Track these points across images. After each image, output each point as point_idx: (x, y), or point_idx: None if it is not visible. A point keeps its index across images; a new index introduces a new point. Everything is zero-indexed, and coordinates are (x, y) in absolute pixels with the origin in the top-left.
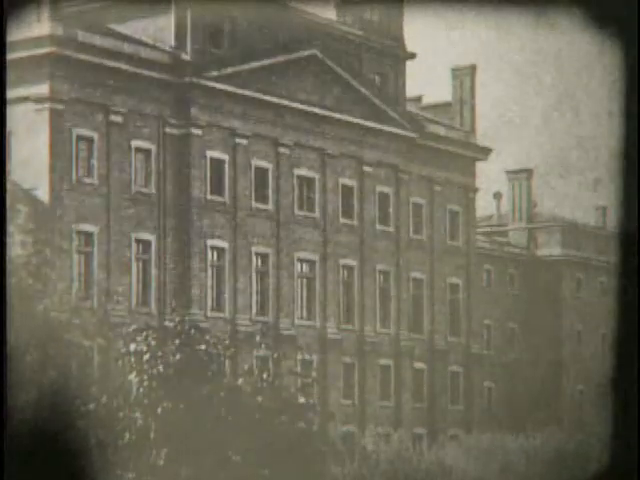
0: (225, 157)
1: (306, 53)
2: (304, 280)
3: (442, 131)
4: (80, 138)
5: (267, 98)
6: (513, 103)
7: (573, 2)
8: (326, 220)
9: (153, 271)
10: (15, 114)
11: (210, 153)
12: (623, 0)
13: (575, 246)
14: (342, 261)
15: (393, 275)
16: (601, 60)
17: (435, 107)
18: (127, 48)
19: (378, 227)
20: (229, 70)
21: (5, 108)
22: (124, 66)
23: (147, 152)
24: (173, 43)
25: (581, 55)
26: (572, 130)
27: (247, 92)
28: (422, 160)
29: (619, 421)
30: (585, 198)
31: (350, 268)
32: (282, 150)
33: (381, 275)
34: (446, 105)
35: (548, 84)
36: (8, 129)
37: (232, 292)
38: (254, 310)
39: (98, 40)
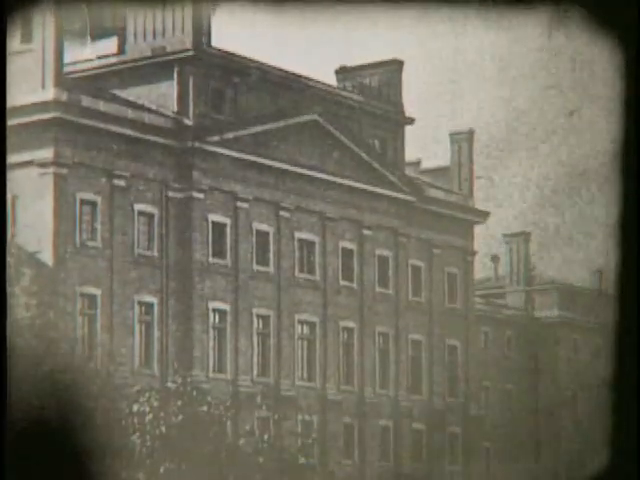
0: (227, 220)
1: (306, 118)
2: (304, 342)
3: (440, 195)
4: (84, 202)
5: (268, 162)
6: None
7: (573, 3)
8: (326, 282)
9: (155, 333)
10: (20, 178)
11: (212, 216)
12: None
13: (572, 308)
14: (342, 323)
15: (392, 337)
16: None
17: (434, 171)
18: (130, 113)
19: (377, 289)
20: (230, 135)
21: (5, 173)
22: (127, 131)
23: (150, 216)
24: (175, 108)
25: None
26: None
27: (248, 156)
28: (421, 223)
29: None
30: (582, 261)
31: (350, 330)
32: (283, 214)
33: (380, 337)
34: (444, 169)
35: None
36: (13, 193)
37: (233, 353)
38: (255, 371)
39: (102, 105)
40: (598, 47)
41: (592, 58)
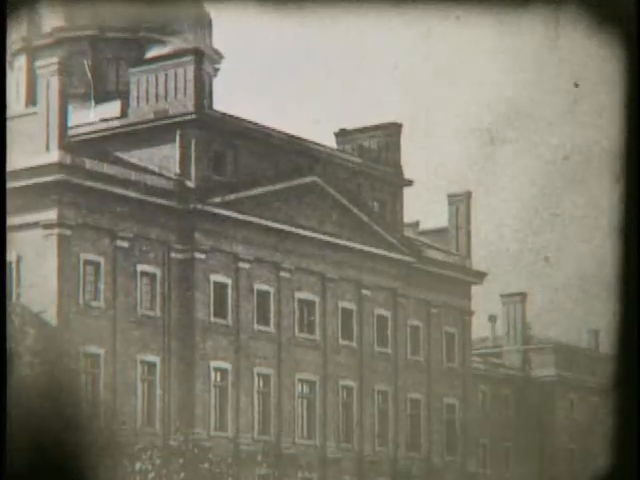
0: (228, 281)
1: (306, 180)
2: (305, 400)
3: (439, 256)
4: (87, 262)
5: (269, 224)
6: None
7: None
8: (326, 342)
9: (158, 391)
10: (24, 239)
11: (213, 277)
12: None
13: (568, 367)
14: (341, 382)
15: (391, 395)
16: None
17: (432, 232)
18: (133, 176)
19: (376, 349)
20: (232, 197)
21: (5, 234)
22: (130, 193)
23: (152, 276)
24: (178, 171)
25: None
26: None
27: (249, 218)
28: (419, 284)
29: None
30: (578, 321)
31: (349, 389)
32: (283, 274)
33: (379, 395)
34: (442, 230)
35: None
36: (18, 254)
37: (235, 412)
38: (256, 429)
39: (105, 168)
40: (599, 46)
41: (593, 59)
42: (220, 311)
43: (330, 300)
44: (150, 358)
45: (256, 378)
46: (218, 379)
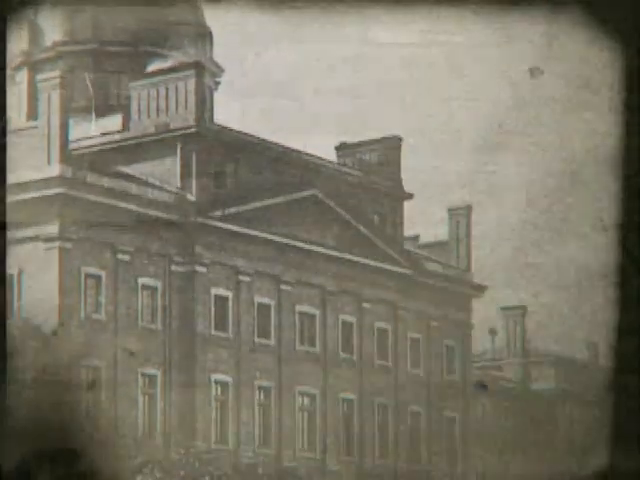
0: (229, 294)
1: (307, 193)
2: (305, 413)
3: (439, 269)
4: (88, 276)
5: (269, 237)
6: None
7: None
8: (326, 355)
9: (159, 404)
10: (25, 253)
11: (214, 290)
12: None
13: (568, 381)
14: (342, 395)
15: (391, 408)
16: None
17: (432, 246)
18: (134, 189)
19: (377, 362)
20: (233, 210)
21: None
22: (131, 206)
23: (153, 289)
24: (179, 184)
25: None
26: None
27: (250, 231)
28: (419, 297)
29: None
30: (578, 334)
31: (350, 401)
32: (284, 287)
33: (380, 408)
34: (442, 244)
35: None
36: (19, 267)
37: (235, 425)
38: (257, 442)
39: (106, 181)
40: (597, 49)
41: (591, 61)
42: (221, 324)
43: (330, 313)
44: (151, 371)
45: (257, 391)
46: (219, 392)
